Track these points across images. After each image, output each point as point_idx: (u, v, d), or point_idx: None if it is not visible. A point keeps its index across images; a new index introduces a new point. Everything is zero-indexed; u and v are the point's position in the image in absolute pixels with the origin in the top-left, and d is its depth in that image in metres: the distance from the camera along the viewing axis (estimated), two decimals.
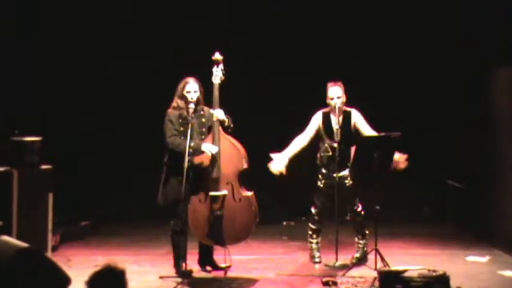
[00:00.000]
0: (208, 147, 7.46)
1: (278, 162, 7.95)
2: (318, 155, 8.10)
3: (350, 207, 8.10)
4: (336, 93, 7.98)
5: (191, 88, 7.59)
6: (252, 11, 10.83)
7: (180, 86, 7.63)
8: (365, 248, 8.09)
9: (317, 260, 8.22)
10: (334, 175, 7.91)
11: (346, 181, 8.01)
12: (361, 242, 8.13)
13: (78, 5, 10.66)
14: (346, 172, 8.00)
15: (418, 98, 10.87)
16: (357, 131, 8.05)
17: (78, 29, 10.70)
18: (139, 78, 10.81)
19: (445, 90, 10.79)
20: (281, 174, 7.95)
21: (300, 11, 10.89)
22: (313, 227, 8.27)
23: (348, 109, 8.09)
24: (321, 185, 8.09)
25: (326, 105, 8.07)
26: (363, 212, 8.11)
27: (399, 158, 7.88)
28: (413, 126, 10.30)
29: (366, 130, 8.02)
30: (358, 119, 8.05)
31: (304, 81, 10.54)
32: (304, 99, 9.24)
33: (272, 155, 7.97)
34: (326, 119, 8.06)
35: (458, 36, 10.54)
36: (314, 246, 8.27)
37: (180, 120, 7.56)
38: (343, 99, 8.00)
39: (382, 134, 7.79)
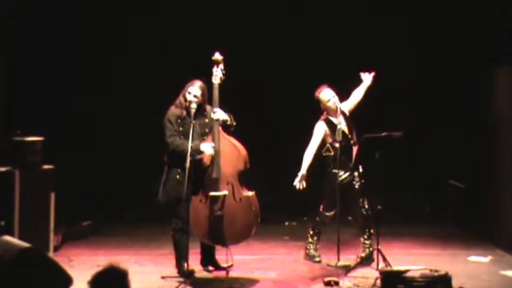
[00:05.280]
0: (206, 147, 7.45)
1: (299, 180, 7.98)
2: (321, 155, 8.10)
3: (356, 208, 8.08)
4: (330, 93, 8.04)
5: (192, 91, 7.56)
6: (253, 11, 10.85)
7: (186, 85, 7.62)
8: (371, 248, 8.05)
9: (318, 259, 8.22)
10: (336, 172, 7.90)
11: (354, 182, 8.01)
12: (366, 242, 8.11)
13: (81, 5, 10.69)
14: (349, 173, 8.00)
15: (419, 98, 10.86)
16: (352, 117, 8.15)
17: (79, 29, 10.70)
18: (139, 78, 10.81)
19: (445, 90, 10.79)
20: (303, 187, 8.01)
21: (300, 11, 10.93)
22: (315, 228, 8.27)
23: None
24: (326, 185, 8.08)
25: (320, 111, 8.09)
26: (369, 212, 8.09)
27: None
28: (415, 126, 10.29)
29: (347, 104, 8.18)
30: (345, 105, 8.14)
31: (303, 80, 10.53)
32: (303, 99, 9.24)
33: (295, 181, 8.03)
34: (330, 124, 8.05)
35: (459, 37, 10.54)
36: (313, 246, 8.28)
37: (179, 121, 7.54)
38: (336, 97, 8.05)
39: (384, 133, 7.79)
